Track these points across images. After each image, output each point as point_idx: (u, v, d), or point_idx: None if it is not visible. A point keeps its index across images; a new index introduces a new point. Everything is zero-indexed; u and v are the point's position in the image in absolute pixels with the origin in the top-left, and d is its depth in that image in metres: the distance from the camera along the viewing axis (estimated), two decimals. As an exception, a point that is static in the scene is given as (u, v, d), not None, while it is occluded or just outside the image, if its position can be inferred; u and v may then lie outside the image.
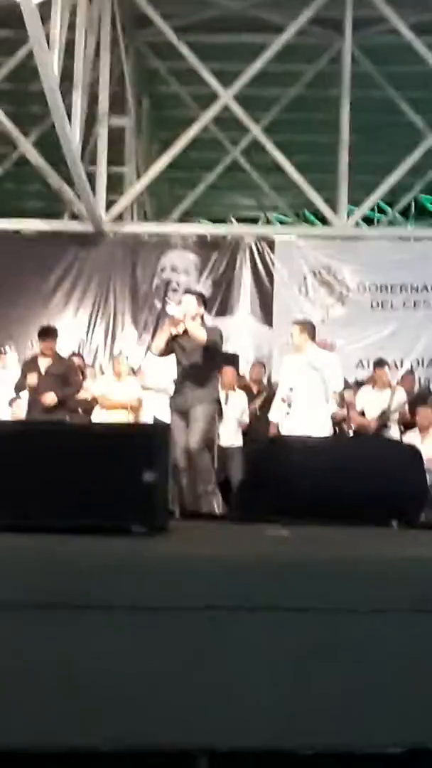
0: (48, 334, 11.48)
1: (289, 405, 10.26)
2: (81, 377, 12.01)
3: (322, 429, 10.03)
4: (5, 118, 15.51)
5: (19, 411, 12.40)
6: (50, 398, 10.78)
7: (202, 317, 9.31)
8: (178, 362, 9.20)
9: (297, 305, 15.50)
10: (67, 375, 11.24)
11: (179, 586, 2.81)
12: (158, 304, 15.72)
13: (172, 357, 9.32)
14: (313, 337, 10.53)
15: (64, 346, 14.95)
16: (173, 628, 2.78)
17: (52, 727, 2.70)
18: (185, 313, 9.20)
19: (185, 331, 9.07)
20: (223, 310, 15.85)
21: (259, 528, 4.01)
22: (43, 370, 11.04)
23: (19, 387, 11.50)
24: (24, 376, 11.22)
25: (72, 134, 12.91)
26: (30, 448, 3.41)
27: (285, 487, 4.64)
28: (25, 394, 11.51)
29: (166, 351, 9.23)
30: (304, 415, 10.03)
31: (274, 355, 14.82)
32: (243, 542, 3.82)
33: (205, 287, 15.46)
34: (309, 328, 10.51)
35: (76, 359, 14.40)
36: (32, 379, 10.99)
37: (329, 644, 2.83)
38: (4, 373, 12.93)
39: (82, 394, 13.04)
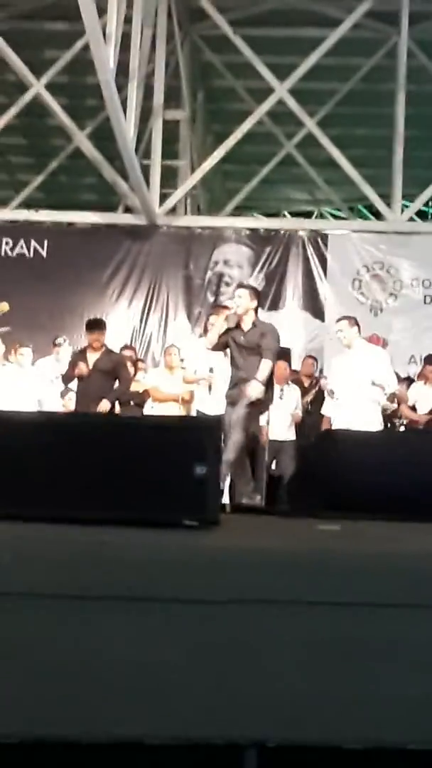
0: (96, 326, 11.30)
1: (337, 398, 10.29)
2: (130, 372, 11.79)
3: (373, 424, 10.01)
4: (61, 110, 15.58)
5: (71, 403, 12.47)
6: (104, 406, 10.63)
7: (256, 311, 9.35)
8: (232, 357, 9.24)
9: (350, 300, 15.47)
10: (116, 370, 11.08)
11: (230, 578, 2.83)
12: (211, 298, 15.75)
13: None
14: (359, 332, 10.53)
15: (116, 338, 15.05)
16: (224, 621, 2.79)
17: (103, 717, 2.72)
18: (239, 306, 9.26)
19: (238, 325, 9.12)
20: (276, 303, 15.83)
21: (311, 522, 4.02)
22: (91, 364, 10.91)
23: (68, 379, 11.43)
24: (72, 368, 11.12)
25: (127, 127, 12.96)
26: (83, 440, 3.44)
27: (336, 481, 4.65)
28: (74, 385, 11.51)
29: (219, 346, 9.27)
30: (354, 411, 10.01)
31: (326, 349, 14.79)
32: (295, 536, 3.83)
33: (257, 281, 15.46)
34: (356, 323, 10.50)
35: (128, 352, 14.45)
36: (82, 368, 10.89)
37: (380, 639, 2.83)
38: (58, 366, 12.98)
39: (134, 386, 13.08)
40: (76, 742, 2.70)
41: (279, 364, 12.25)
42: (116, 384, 11.02)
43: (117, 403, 11.56)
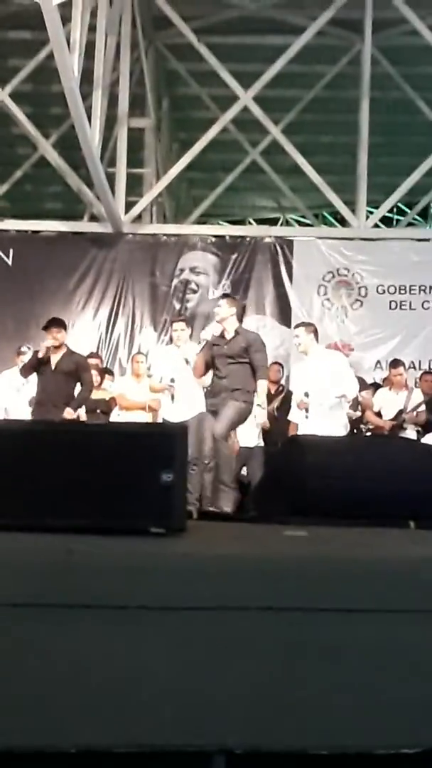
0: (54, 324, 10.90)
1: (306, 410, 10.27)
2: (93, 374, 11.50)
3: (339, 431, 10.04)
4: (25, 119, 15.56)
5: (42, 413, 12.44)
6: (69, 413, 10.44)
7: (240, 319, 9.49)
8: (214, 365, 9.32)
9: (315, 306, 15.51)
10: (78, 372, 10.78)
11: (197, 586, 2.82)
12: (177, 305, 15.75)
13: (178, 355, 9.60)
14: (317, 338, 10.58)
15: (83, 346, 15.01)
16: (192, 628, 2.79)
17: (70, 726, 2.71)
18: (221, 316, 9.38)
19: (222, 334, 9.21)
20: (242, 310, 15.85)
21: (278, 528, 4.02)
22: (53, 365, 10.65)
23: (26, 370, 11.18)
24: (34, 358, 10.87)
25: (92, 135, 12.94)
26: (49, 447, 3.43)
27: (303, 487, 4.65)
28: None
29: (205, 369, 9.40)
30: (320, 419, 10.03)
31: (292, 355, 14.82)
32: (261, 542, 3.83)
33: (223, 288, 15.48)
34: (314, 330, 10.55)
35: (94, 360, 14.43)
36: (44, 350, 10.60)
37: (349, 644, 2.83)
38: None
39: (101, 394, 13.06)
40: (44, 752, 2.69)
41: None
42: (78, 387, 10.77)
43: (83, 410, 11.52)
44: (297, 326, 10.82)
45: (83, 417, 11.97)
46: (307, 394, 10.24)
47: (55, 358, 10.65)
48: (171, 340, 11.08)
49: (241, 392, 9.15)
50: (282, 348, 15.17)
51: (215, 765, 2.77)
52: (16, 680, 2.69)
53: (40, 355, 10.66)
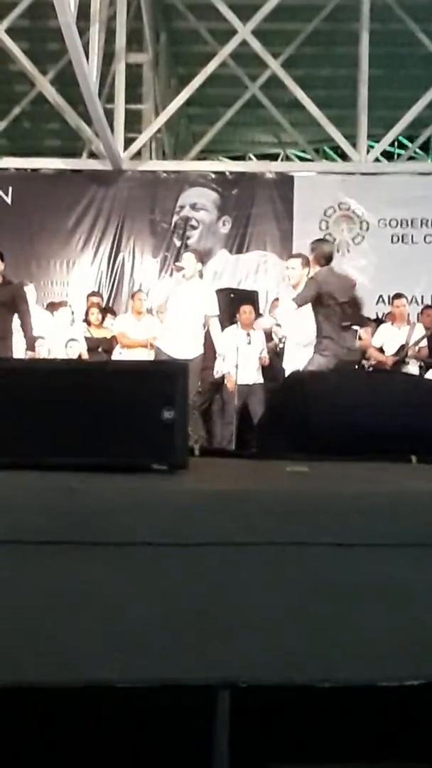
0: None
1: (283, 345, 10.36)
2: (29, 304, 10.77)
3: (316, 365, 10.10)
4: (22, 55, 15.44)
5: (41, 350, 12.43)
6: (32, 353, 10.12)
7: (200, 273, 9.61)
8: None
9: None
10: (14, 302, 10.27)
11: (200, 521, 2.83)
12: (177, 242, 15.72)
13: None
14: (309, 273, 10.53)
15: (84, 284, 15.02)
16: (195, 563, 2.80)
17: (73, 662, 2.73)
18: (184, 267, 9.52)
19: None
20: (242, 246, 15.83)
21: (279, 464, 4.02)
22: None
23: None
24: None
25: (89, 71, 12.85)
26: (49, 386, 3.42)
27: (305, 423, 4.65)
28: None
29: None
30: (296, 353, 10.08)
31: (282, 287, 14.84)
32: (263, 478, 3.83)
33: (223, 224, 15.45)
34: (308, 264, 10.48)
35: (95, 298, 14.43)
36: None
37: (351, 579, 2.84)
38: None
39: (102, 333, 13.08)
40: (49, 687, 2.71)
41: (245, 308, 12.34)
42: (15, 318, 10.27)
43: (85, 348, 11.49)
44: (293, 257, 10.72)
45: (85, 355, 11.99)
46: (283, 338, 10.33)
47: None
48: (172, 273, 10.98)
49: None
50: (283, 284, 15.13)
51: (220, 699, 2.79)
52: (18, 618, 2.71)
53: None
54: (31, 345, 10.14)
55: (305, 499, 2.97)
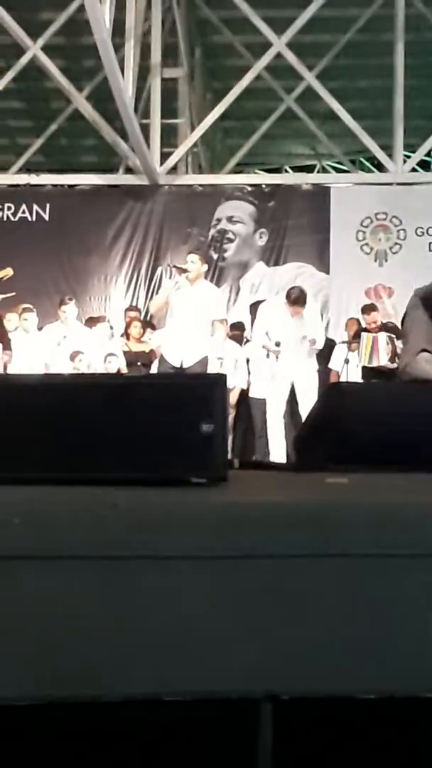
0: None
1: (274, 356, 10.35)
2: (3, 324, 10.83)
3: (309, 380, 10.07)
4: (58, 73, 15.52)
5: (81, 365, 12.50)
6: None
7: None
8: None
9: (354, 251, 15.47)
10: None
11: (241, 534, 2.83)
12: (214, 255, 15.73)
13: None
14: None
15: (122, 300, 15.06)
16: (237, 576, 2.80)
17: (118, 676, 2.74)
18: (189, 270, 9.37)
19: None
20: (278, 258, 15.83)
21: (319, 476, 4.01)
22: None
23: None
24: None
25: (125, 87, 12.91)
26: (89, 400, 3.43)
27: (344, 435, 4.64)
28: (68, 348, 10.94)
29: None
30: (289, 366, 10.08)
31: (331, 302, 14.80)
32: (303, 490, 3.83)
33: (260, 236, 15.47)
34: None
35: (132, 313, 14.49)
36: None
37: (394, 590, 2.84)
38: (65, 329, 13.03)
39: (141, 347, 13.12)
40: (91, 702, 2.72)
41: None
42: None
43: (123, 363, 11.46)
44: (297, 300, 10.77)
45: (124, 370, 12.03)
46: (278, 344, 10.29)
47: None
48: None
49: None
50: (321, 295, 15.13)
51: (263, 711, 2.79)
52: (66, 632, 2.72)
53: None
54: (7, 345, 9.96)
55: (347, 511, 2.97)
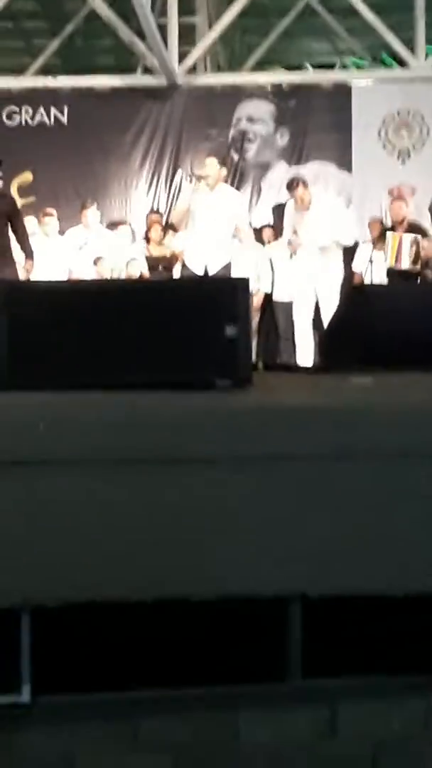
0: None
1: (294, 249, 10.26)
2: (23, 217, 10.33)
3: (333, 276, 10.00)
4: (73, -28, 15.30)
5: (103, 270, 12.47)
6: (29, 266, 9.71)
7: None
8: None
9: (376, 149, 15.31)
10: (8, 214, 9.68)
11: (267, 435, 2.85)
12: (235, 155, 15.59)
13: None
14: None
15: (143, 203, 14.99)
16: (264, 478, 2.82)
17: (149, 577, 2.77)
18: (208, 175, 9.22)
19: None
20: (300, 157, 15.68)
21: (344, 377, 4.02)
22: None
23: None
24: None
25: (141, -15, 12.70)
26: (112, 305, 3.43)
27: (369, 336, 4.64)
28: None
29: None
30: (313, 263, 10.01)
31: (354, 200, 14.68)
32: (329, 391, 3.84)
33: (281, 136, 15.32)
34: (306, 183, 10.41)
35: (154, 216, 14.41)
36: None
37: (419, 491, 2.85)
38: (87, 232, 12.99)
39: (162, 251, 13.07)
40: (124, 602, 2.75)
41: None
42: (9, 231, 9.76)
43: (146, 267, 11.43)
44: (290, 187, 10.61)
45: (146, 274, 11.99)
46: (296, 233, 10.21)
47: None
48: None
49: None
50: (344, 193, 15.00)
51: (291, 611, 2.82)
52: (94, 537, 2.75)
53: None
54: (30, 256, 9.82)
55: (374, 410, 2.97)
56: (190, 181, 11.77)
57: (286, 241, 10.65)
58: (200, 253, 9.46)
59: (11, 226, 9.65)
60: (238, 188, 13.66)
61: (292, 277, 11.66)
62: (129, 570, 2.77)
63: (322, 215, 10.33)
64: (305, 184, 10.49)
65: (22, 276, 9.34)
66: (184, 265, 9.83)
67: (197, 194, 9.67)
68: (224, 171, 10.11)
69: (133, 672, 2.84)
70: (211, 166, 9.85)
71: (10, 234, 9.62)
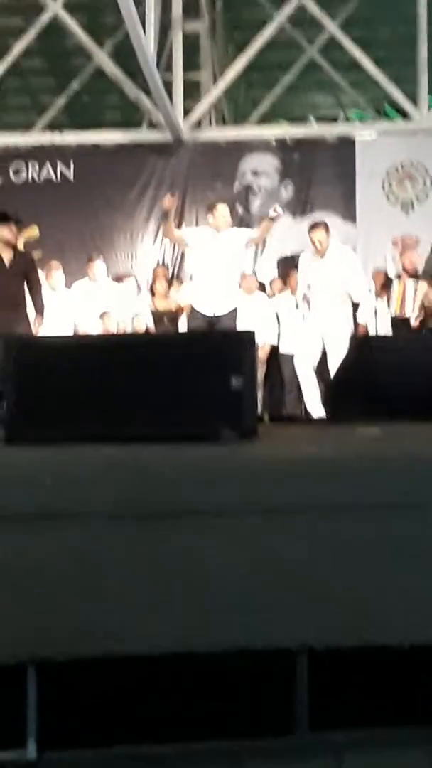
0: (5, 219, 9.80)
1: (308, 303, 10.24)
2: (38, 273, 10.28)
3: (343, 328, 9.96)
4: (79, 30, 15.45)
5: (109, 323, 12.51)
6: (39, 322, 9.64)
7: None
8: None
9: (380, 201, 15.39)
10: (26, 271, 9.79)
11: (274, 487, 2.85)
12: (240, 209, 15.67)
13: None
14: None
15: (149, 257, 15.07)
16: (271, 529, 2.82)
17: (156, 630, 2.77)
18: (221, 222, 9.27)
19: None
20: (304, 209, 15.76)
21: (350, 428, 4.03)
22: (7, 263, 9.70)
23: None
24: None
25: (146, 42, 12.81)
26: (121, 358, 3.46)
27: (375, 387, 4.65)
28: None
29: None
30: (324, 314, 9.99)
31: (358, 251, 14.75)
32: (335, 442, 3.84)
33: (286, 188, 15.40)
34: (327, 227, 10.38)
35: (161, 270, 14.47)
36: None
37: (427, 541, 2.85)
38: (93, 286, 13.05)
39: (167, 304, 13.11)
40: (129, 657, 2.75)
41: (294, 275, 12.29)
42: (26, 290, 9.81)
43: (151, 321, 11.44)
44: (313, 227, 10.58)
45: (151, 327, 12.03)
46: (309, 287, 10.19)
47: (7, 256, 9.76)
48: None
49: None
50: (348, 245, 15.03)
51: (299, 663, 2.81)
52: (99, 589, 2.75)
53: None
54: (41, 312, 9.92)
55: (380, 461, 2.97)
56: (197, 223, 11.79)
57: (301, 295, 10.61)
58: (208, 297, 9.42)
59: (27, 283, 9.74)
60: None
61: (299, 329, 11.70)
62: (135, 624, 2.77)
63: (337, 265, 10.31)
64: (327, 230, 10.48)
65: (33, 332, 9.41)
66: (192, 310, 9.76)
67: (205, 238, 9.66)
68: (227, 215, 10.03)
69: (140, 726, 2.83)
70: (222, 211, 9.77)
71: (26, 290, 9.73)
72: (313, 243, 10.34)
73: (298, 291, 10.76)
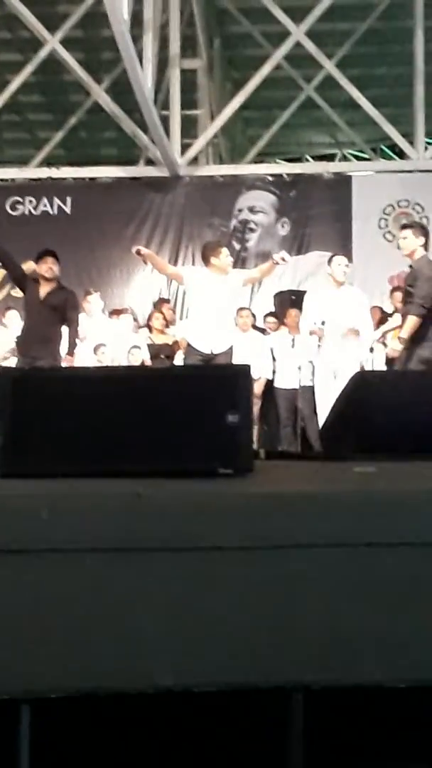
0: (50, 254, 10.11)
1: (320, 339, 10.24)
2: (79, 312, 10.70)
3: (351, 364, 9.95)
4: (77, 65, 15.53)
5: (104, 358, 12.50)
6: (68, 359, 9.93)
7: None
8: None
9: (377, 239, 15.43)
10: (65, 309, 9.97)
11: (269, 524, 2.83)
12: (237, 245, 15.71)
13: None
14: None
15: (148, 293, 15.09)
16: (266, 566, 2.80)
17: (147, 667, 2.74)
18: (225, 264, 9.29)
19: None
20: (301, 247, 15.81)
21: (346, 465, 4.00)
22: (42, 296, 9.93)
23: (17, 279, 10.44)
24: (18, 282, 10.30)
25: (144, 79, 12.88)
26: (113, 393, 3.43)
27: (371, 423, 4.63)
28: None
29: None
30: (335, 349, 9.99)
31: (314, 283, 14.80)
32: (331, 479, 3.82)
33: (282, 226, 15.45)
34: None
35: (161, 304, 14.50)
36: (31, 266, 10.06)
37: (421, 580, 2.83)
38: (89, 321, 13.03)
39: (164, 339, 13.12)
40: (122, 694, 2.72)
41: (291, 312, 12.32)
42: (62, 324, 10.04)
43: (147, 356, 11.48)
44: (335, 257, 10.62)
45: (147, 362, 12.02)
46: (323, 323, 10.18)
47: (44, 290, 9.95)
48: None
49: None
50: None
51: (294, 702, 2.78)
52: (93, 626, 2.72)
53: (29, 273, 10.08)
54: (71, 350, 10.02)
55: (376, 499, 2.95)
56: (193, 262, 11.81)
57: (308, 331, 10.57)
58: (205, 334, 9.41)
59: (64, 321, 9.91)
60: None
61: (294, 364, 11.74)
62: (129, 660, 2.73)
63: (351, 299, 10.34)
64: (347, 264, 10.54)
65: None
66: (188, 347, 9.75)
67: (204, 277, 9.64)
68: (230, 259, 10.00)
69: (133, 765, 2.79)
70: (225, 257, 9.73)
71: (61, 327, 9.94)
72: (331, 275, 10.37)
73: (304, 326, 10.76)
